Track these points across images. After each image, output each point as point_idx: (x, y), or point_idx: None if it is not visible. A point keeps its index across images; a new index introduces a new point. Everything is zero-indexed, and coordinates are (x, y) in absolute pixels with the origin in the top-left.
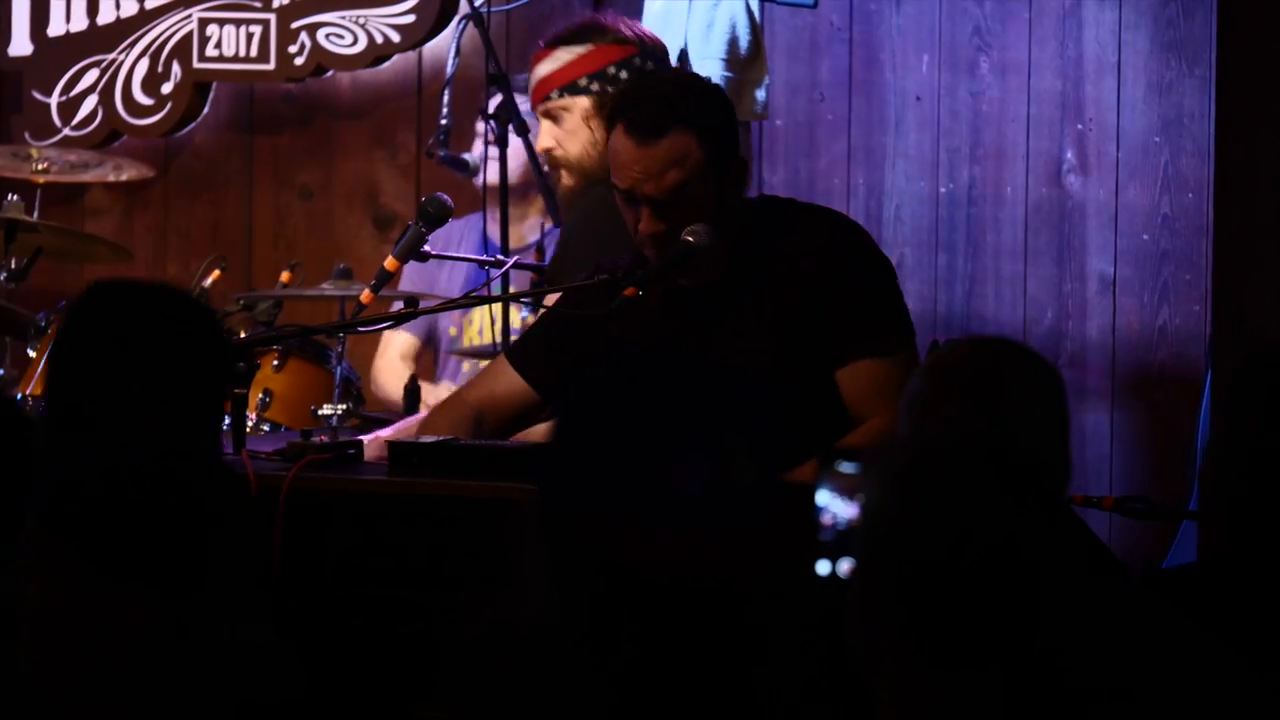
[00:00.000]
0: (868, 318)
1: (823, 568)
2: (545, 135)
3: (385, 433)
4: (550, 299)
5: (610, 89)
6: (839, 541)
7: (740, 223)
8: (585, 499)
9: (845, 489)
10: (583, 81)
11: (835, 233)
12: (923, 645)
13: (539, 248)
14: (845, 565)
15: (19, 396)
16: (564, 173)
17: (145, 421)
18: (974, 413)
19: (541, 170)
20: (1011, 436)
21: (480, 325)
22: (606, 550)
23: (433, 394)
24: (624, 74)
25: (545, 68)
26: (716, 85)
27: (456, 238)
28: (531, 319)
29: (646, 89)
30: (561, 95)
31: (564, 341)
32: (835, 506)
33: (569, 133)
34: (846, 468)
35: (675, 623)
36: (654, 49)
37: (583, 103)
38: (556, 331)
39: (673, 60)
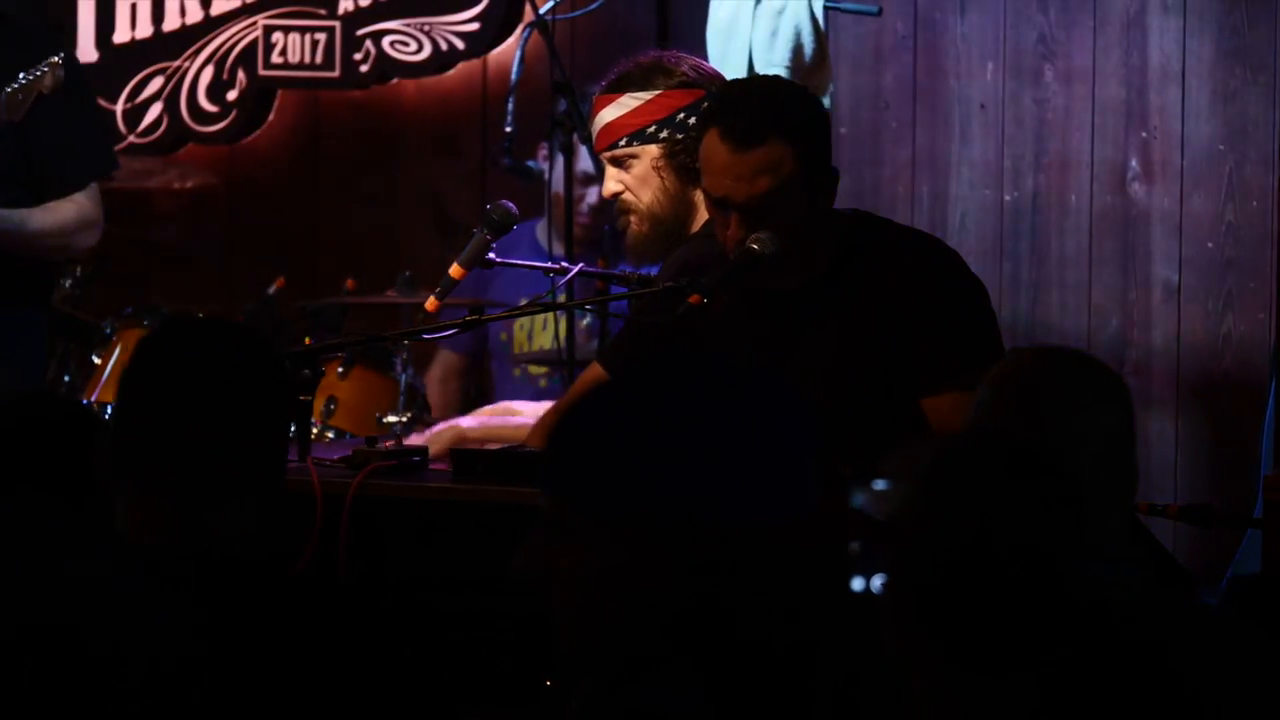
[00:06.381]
0: (963, 349)
1: (857, 584)
2: (612, 180)
3: (465, 421)
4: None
5: (680, 135)
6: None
7: (831, 234)
8: None
9: (878, 507)
10: (651, 129)
11: (933, 258)
12: (951, 649)
13: (603, 255)
14: (878, 581)
15: (85, 402)
16: (633, 219)
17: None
18: (1025, 420)
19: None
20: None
21: (531, 331)
22: None
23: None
24: (693, 119)
25: (611, 113)
26: (814, 95)
27: (510, 239)
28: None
29: (745, 94)
30: (630, 143)
31: (656, 342)
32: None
33: (639, 179)
34: (879, 486)
35: None
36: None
37: (653, 150)
38: (648, 332)
39: (740, 70)
